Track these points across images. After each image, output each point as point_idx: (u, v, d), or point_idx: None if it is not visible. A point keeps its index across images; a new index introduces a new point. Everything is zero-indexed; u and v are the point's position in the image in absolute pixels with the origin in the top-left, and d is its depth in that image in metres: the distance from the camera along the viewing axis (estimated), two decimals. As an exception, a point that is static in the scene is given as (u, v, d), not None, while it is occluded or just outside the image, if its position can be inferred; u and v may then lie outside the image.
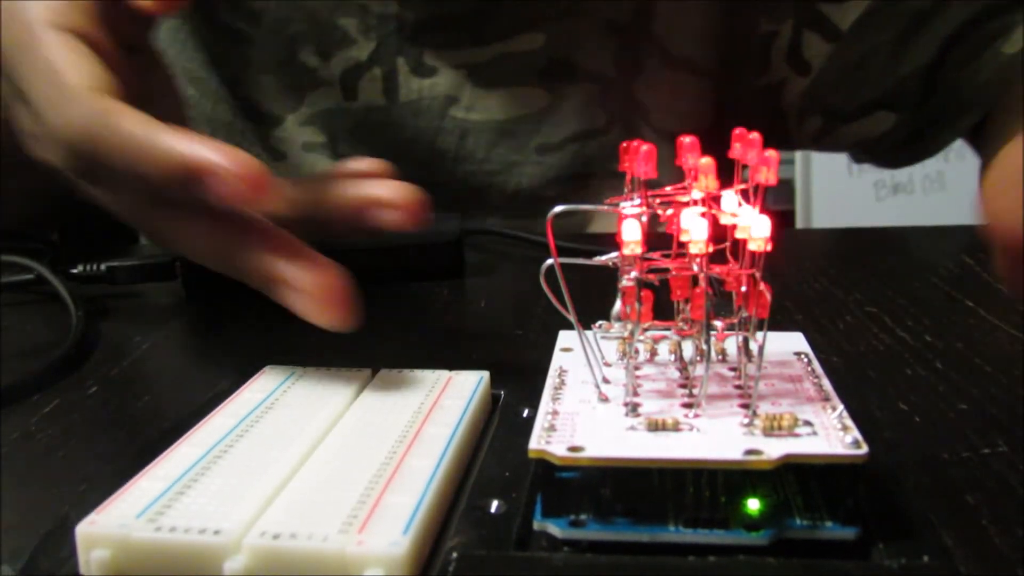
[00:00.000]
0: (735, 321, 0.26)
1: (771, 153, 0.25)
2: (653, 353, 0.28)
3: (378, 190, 0.35)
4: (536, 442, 0.22)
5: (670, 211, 0.26)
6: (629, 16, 0.58)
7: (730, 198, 0.26)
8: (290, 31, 0.58)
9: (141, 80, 0.36)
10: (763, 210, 0.25)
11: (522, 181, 0.59)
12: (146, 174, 0.29)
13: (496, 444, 0.27)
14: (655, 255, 0.25)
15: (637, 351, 0.27)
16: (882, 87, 0.58)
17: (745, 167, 0.26)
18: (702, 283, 0.25)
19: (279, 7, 0.57)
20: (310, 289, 0.30)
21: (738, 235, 0.25)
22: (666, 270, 0.25)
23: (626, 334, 0.26)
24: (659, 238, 0.26)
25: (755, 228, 0.24)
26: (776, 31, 0.59)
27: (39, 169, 0.36)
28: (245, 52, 0.59)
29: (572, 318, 0.26)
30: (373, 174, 0.38)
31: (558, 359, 0.29)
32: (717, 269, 0.25)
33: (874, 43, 0.57)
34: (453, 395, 0.29)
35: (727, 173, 0.26)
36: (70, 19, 0.33)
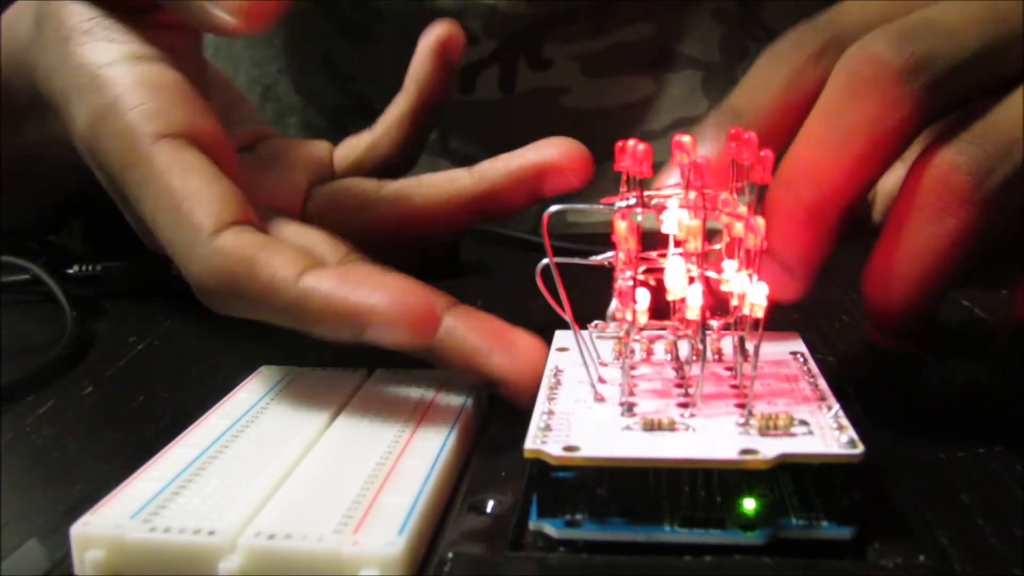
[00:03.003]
0: (731, 321, 0.26)
1: (767, 153, 0.25)
2: (649, 353, 0.28)
3: (544, 152, 0.34)
4: (532, 442, 0.22)
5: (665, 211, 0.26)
6: (737, 3, 0.58)
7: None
8: (414, 31, 0.57)
9: (213, 97, 0.35)
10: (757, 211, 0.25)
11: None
12: (305, 325, 0.27)
13: (491, 444, 0.27)
14: (651, 254, 0.25)
15: (633, 351, 0.27)
16: None
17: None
18: (699, 282, 0.25)
19: (405, 8, 0.57)
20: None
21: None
22: (662, 269, 0.25)
23: (622, 334, 0.26)
24: (656, 236, 0.26)
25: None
26: None
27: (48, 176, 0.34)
28: (361, 49, 0.58)
29: (568, 318, 0.26)
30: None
31: (554, 359, 0.29)
32: (713, 269, 0.25)
33: None
34: (449, 395, 0.29)
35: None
36: (172, 122, 0.30)
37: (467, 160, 0.62)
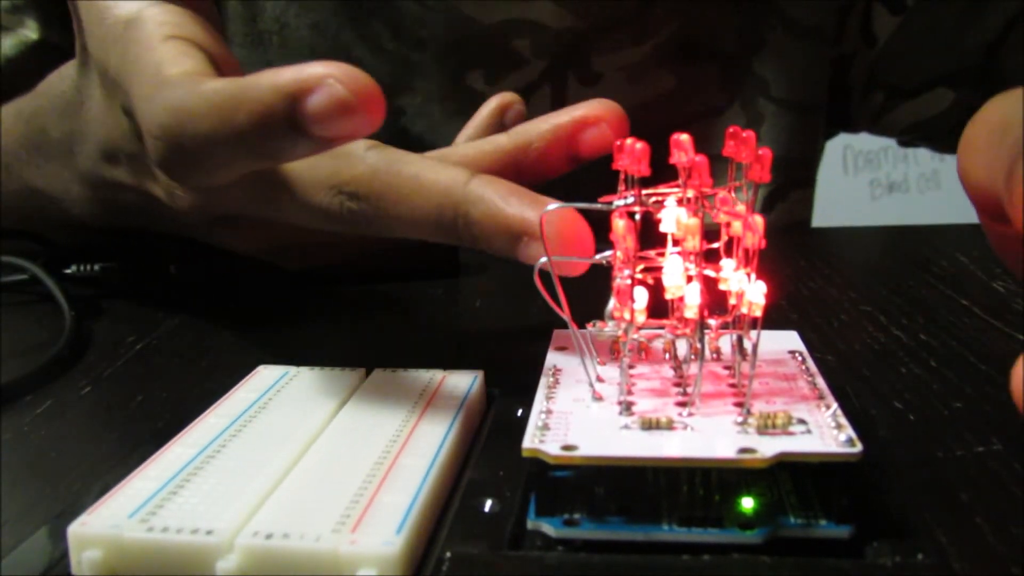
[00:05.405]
0: (729, 319, 0.26)
1: (764, 151, 0.25)
2: (647, 352, 0.28)
3: (580, 110, 0.34)
4: (530, 441, 0.22)
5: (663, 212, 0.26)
6: None
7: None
8: (459, 56, 0.56)
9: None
10: (768, 209, 0.25)
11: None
12: (243, 127, 0.26)
13: (490, 443, 0.27)
14: (649, 253, 0.25)
15: (632, 349, 0.27)
16: (944, 62, 0.59)
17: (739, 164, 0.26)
18: (697, 281, 0.25)
19: (448, 33, 0.56)
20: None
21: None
22: (660, 268, 0.25)
23: (620, 332, 0.26)
24: (653, 236, 0.26)
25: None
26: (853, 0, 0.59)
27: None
28: (407, 83, 0.57)
29: (566, 317, 0.26)
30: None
31: (552, 358, 0.29)
32: (711, 267, 0.25)
33: (939, 17, 0.58)
34: (447, 395, 0.29)
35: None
36: (186, 30, 0.32)
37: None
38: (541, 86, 0.57)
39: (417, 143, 0.57)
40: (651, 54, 0.57)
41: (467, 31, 0.55)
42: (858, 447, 0.22)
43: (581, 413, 0.24)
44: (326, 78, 0.25)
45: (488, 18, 0.55)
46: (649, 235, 0.26)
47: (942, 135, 0.63)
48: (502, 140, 0.36)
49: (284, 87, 0.25)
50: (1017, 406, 0.22)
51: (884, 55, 0.60)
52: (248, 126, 0.26)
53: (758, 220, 0.24)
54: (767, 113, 0.60)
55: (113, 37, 0.34)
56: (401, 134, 0.57)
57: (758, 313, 0.24)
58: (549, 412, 0.24)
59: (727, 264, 0.26)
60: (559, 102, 0.57)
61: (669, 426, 0.23)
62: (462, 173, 0.31)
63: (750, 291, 0.24)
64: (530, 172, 0.35)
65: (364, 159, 0.31)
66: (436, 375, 0.30)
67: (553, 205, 0.26)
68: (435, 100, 0.57)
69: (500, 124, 0.40)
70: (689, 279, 0.25)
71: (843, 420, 0.23)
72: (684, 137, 0.25)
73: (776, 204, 0.62)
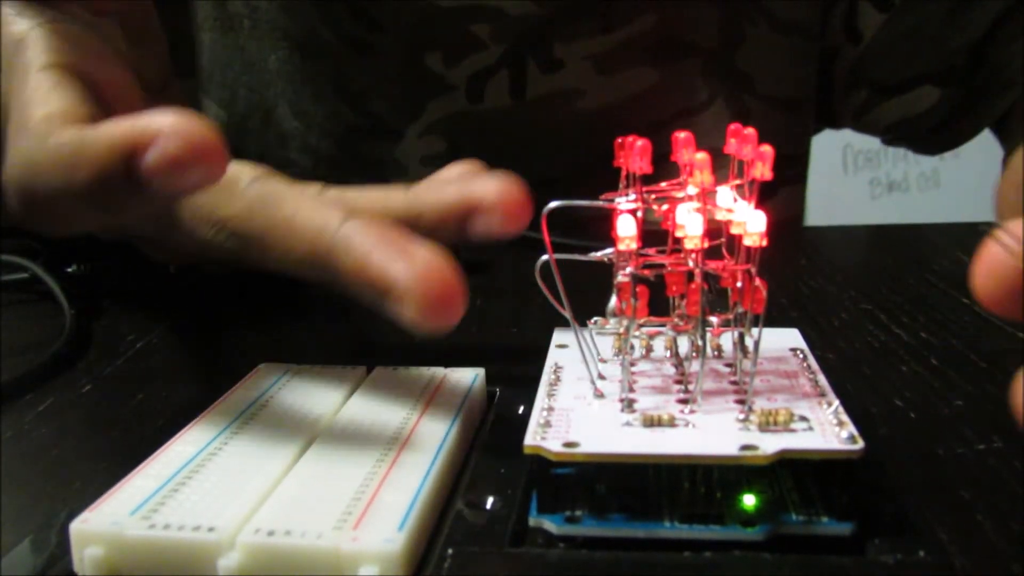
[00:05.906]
0: (730, 317, 0.26)
1: (766, 148, 0.25)
2: (649, 349, 0.28)
3: (477, 189, 0.31)
4: (531, 438, 0.22)
5: (665, 206, 0.26)
6: None
7: (725, 193, 0.26)
8: (418, 38, 0.56)
9: None
10: (758, 206, 0.25)
11: None
12: (85, 184, 0.25)
13: (491, 441, 0.27)
14: (651, 251, 0.25)
15: (633, 347, 0.27)
16: (930, 60, 0.59)
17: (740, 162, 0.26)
18: (697, 279, 0.25)
19: (408, 15, 0.56)
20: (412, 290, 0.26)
21: (734, 231, 0.25)
22: (661, 265, 0.25)
23: (622, 330, 0.26)
24: (654, 234, 0.26)
25: (751, 223, 0.24)
26: None
27: None
28: (369, 63, 0.57)
29: (568, 314, 0.26)
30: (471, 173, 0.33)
31: (553, 355, 0.29)
32: (712, 265, 0.25)
33: (926, 14, 0.57)
34: (448, 393, 0.29)
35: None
36: (67, 55, 0.31)
37: None
38: (499, 70, 0.57)
39: (375, 129, 0.58)
40: (624, 46, 0.57)
41: (426, 14, 0.55)
42: (860, 444, 0.22)
43: (583, 410, 0.24)
44: (158, 133, 0.24)
45: (446, 2, 0.55)
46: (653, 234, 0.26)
47: (925, 133, 0.62)
48: (398, 200, 0.33)
49: (117, 145, 0.25)
50: (1017, 421, 0.22)
51: (869, 52, 0.60)
52: (89, 183, 0.25)
53: (760, 216, 0.24)
54: (753, 109, 0.60)
55: (7, 59, 0.33)
56: (364, 115, 0.58)
57: (759, 310, 0.24)
58: (551, 409, 0.24)
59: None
60: (518, 87, 0.57)
61: (671, 423, 0.23)
62: (336, 216, 0.28)
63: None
64: (422, 235, 0.31)
65: (244, 195, 0.30)
66: (437, 373, 0.30)
67: (555, 203, 0.26)
68: (395, 80, 0.57)
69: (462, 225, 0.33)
70: (693, 273, 0.25)
71: (844, 417, 0.23)
72: (683, 135, 0.25)
73: (765, 201, 0.61)
